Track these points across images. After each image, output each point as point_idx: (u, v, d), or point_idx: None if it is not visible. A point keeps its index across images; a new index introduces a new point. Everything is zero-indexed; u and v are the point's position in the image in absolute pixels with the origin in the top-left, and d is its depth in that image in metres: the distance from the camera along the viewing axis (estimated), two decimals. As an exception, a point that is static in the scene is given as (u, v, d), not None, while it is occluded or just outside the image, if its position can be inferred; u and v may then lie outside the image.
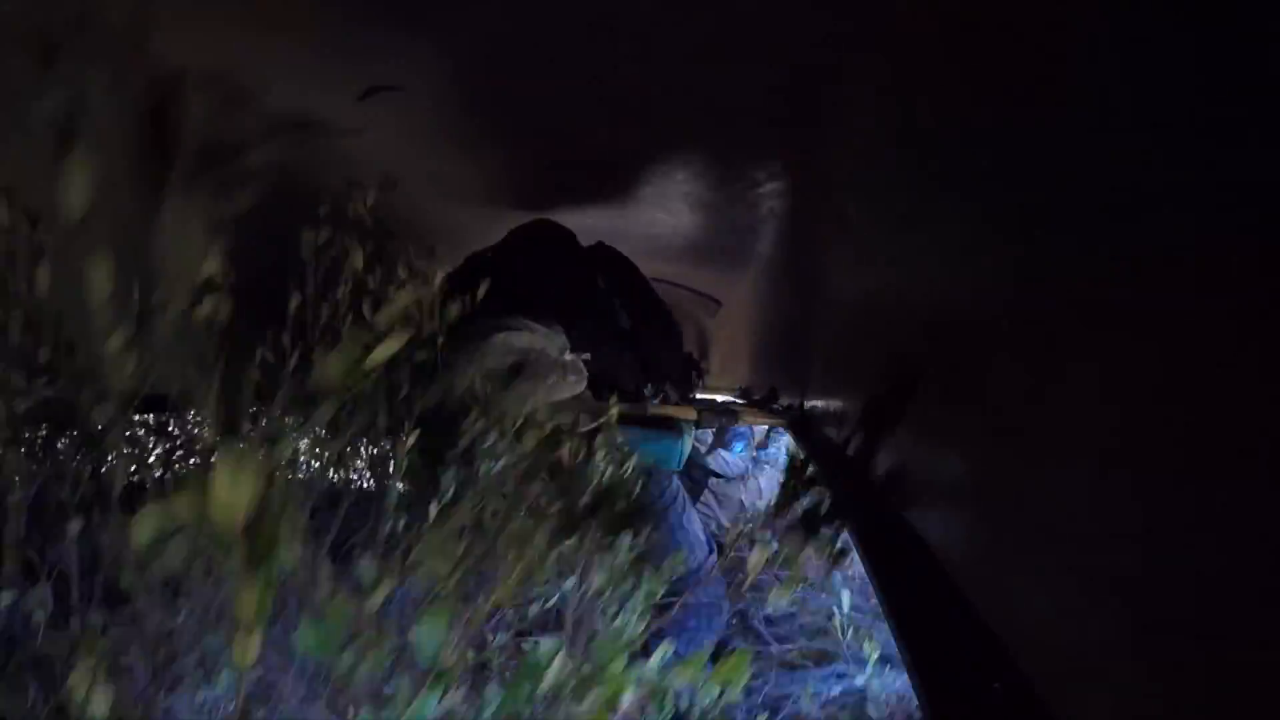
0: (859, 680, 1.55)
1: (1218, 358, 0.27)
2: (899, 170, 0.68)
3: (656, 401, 1.25)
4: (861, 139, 0.78)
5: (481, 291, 1.15)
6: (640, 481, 0.98)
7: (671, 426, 1.17)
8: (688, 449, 1.33)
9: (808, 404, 1.20)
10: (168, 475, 0.98)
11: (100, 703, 0.41)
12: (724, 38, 0.69)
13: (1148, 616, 0.30)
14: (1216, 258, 0.27)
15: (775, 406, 1.29)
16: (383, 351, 0.41)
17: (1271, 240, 0.24)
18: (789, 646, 1.75)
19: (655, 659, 0.57)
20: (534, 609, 0.86)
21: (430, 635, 0.46)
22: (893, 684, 1.52)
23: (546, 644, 0.52)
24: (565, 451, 0.88)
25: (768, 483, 2.50)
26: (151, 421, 1.10)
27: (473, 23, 0.70)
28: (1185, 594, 0.28)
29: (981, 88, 0.48)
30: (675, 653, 0.59)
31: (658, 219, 1.47)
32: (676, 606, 0.81)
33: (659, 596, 0.74)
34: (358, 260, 0.88)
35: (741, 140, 0.99)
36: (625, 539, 0.75)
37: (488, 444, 0.81)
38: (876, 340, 0.77)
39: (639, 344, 1.29)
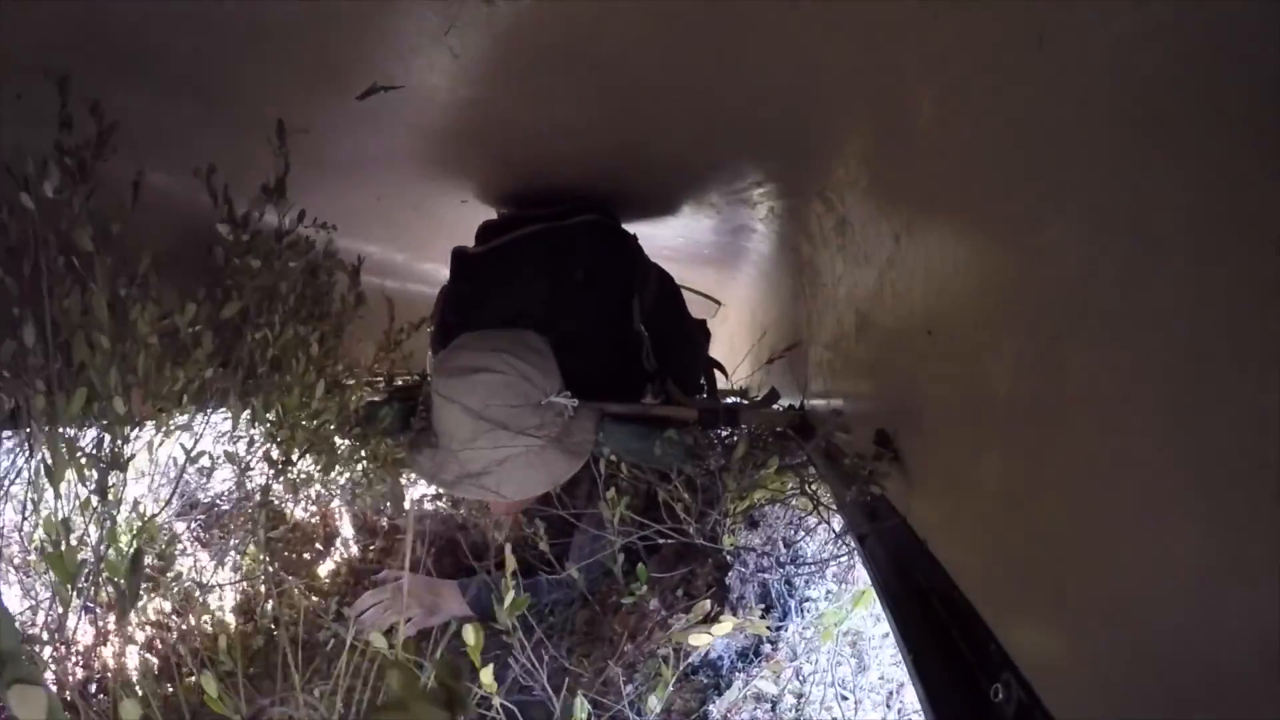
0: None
1: (1216, 355, 0.27)
2: (898, 170, 0.68)
3: (659, 401, 1.24)
4: (861, 139, 0.78)
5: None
6: None
7: (668, 426, 1.17)
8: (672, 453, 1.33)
9: (808, 405, 1.20)
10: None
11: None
12: (726, 43, 0.69)
13: (1146, 618, 0.30)
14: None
15: (775, 407, 1.29)
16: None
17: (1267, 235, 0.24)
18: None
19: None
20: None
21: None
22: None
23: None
24: None
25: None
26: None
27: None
28: (1186, 596, 0.28)
29: (981, 83, 0.48)
30: None
31: (658, 219, 1.48)
32: None
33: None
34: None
35: (741, 141, 0.99)
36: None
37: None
38: (876, 340, 0.77)
39: (655, 343, 1.28)
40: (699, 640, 0.86)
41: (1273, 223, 0.24)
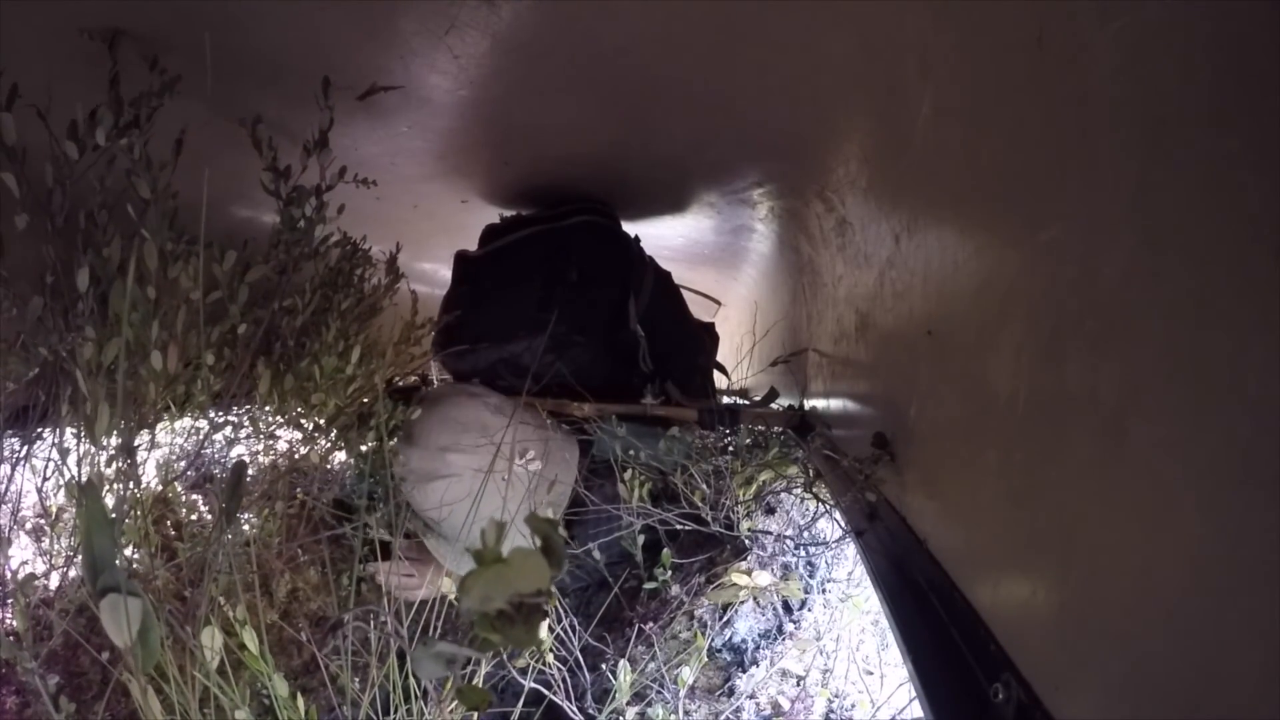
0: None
1: (1223, 352, 0.27)
2: (898, 170, 0.68)
3: (658, 402, 1.24)
4: (860, 139, 0.78)
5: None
6: None
7: (667, 426, 1.17)
8: (676, 449, 1.33)
9: (807, 405, 1.20)
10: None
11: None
12: (725, 43, 0.69)
13: (1146, 618, 0.30)
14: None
15: (775, 407, 1.29)
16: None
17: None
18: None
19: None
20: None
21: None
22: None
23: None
24: None
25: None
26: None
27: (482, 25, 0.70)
28: (1186, 596, 0.28)
29: (981, 83, 0.48)
30: None
31: (659, 219, 1.48)
32: None
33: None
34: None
35: (741, 141, 0.99)
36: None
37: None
38: (876, 341, 0.77)
39: (653, 344, 1.28)
40: (739, 580, 0.87)
41: (1273, 223, 0.24)
